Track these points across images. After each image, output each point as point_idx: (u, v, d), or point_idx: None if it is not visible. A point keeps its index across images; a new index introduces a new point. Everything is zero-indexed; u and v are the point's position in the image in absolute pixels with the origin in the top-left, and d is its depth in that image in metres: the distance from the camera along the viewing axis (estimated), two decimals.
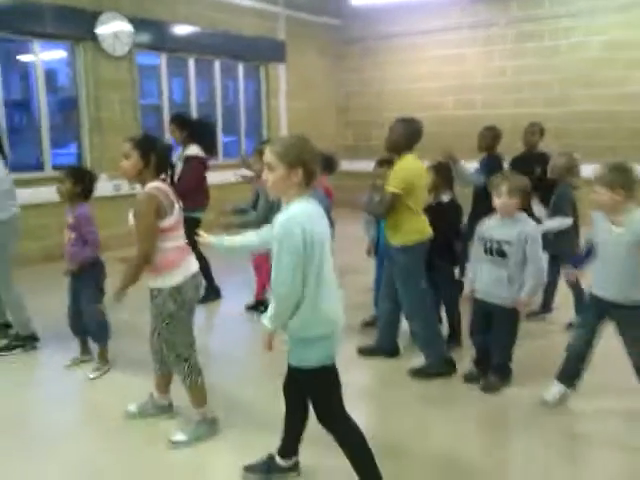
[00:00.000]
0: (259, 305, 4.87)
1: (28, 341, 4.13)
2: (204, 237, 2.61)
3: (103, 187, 6.86)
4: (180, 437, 2.90)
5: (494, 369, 3.45)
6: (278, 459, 2.56)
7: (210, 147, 5.20)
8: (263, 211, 4.29)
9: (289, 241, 2.09)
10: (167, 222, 2.76)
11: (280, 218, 2.16)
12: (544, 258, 3.37)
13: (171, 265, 2.78)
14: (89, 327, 3.75)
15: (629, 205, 2.91)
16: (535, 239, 3.25)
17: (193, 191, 4.81)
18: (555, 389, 3.24)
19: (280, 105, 9.73)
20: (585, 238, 3.34)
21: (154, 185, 2.80)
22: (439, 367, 3.59)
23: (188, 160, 4.96)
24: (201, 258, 5.15)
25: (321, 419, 2.33)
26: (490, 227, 3.36)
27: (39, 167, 6.88)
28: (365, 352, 3.95)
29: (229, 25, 8.55)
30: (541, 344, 4.07)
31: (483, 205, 3.90)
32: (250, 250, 3.25)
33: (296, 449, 2.57)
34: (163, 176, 2.92)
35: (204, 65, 8.70)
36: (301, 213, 2.14)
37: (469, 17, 9.07)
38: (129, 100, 7.45)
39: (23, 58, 6.88)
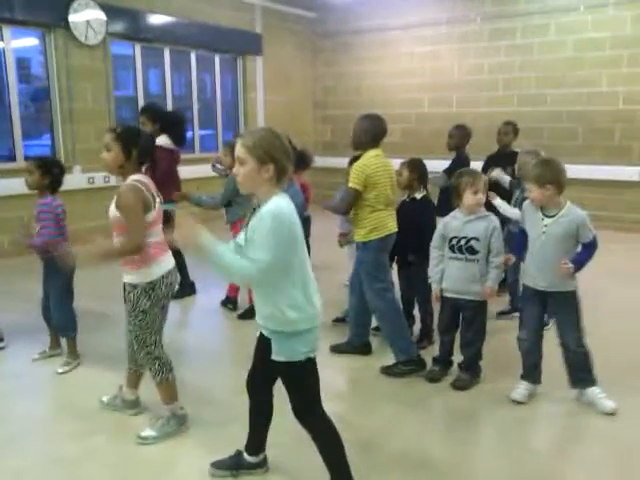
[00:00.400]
0: (229, 302, 4.89)
1: None
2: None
3: (76, 179, 6.81)
4: (149, 433, 2.89)
5: (465, 366, 3.49)
6: (246, 455, 2.57)
7: (180, 138, 5.11)
8: (227, 195, 4.42)
9: (280, 234, 2.06)
10: (149, 217, 2.75)
11: (268, 210, 2.08)
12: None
13: (149, 260, 2.76)
14: (54, 319, 3.72)
15: (558, 199, 3.06)
16: (499, 232, 3.34)
17: (163, 183, 4.77)
18: (522, 387, 3.30)
19: (257, 98, 9.68)
20: (519, 228, 3.41)
21: (136, 178, 2.77)
22: (408, 365, 3.61)
23: (160, 151, 4.89)
24: (177, 253, 5.14)
25: (301, 413, 2.30)
26: (455, 225, 3.38)
27: (11, 158, 6.75)
28: (337, 350, 3.96)
29: (206, 16, 8.46)
30: (508, 341, 4.13)
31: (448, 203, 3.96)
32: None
33: (263, 445, 2.57)
34: (144, 167, 2.89)
35: (180, 56, 8.61)
36: (287, 207, 2.12)
37: (446, 12, 9.10)
38: (102, 90, 7.34)
39: None
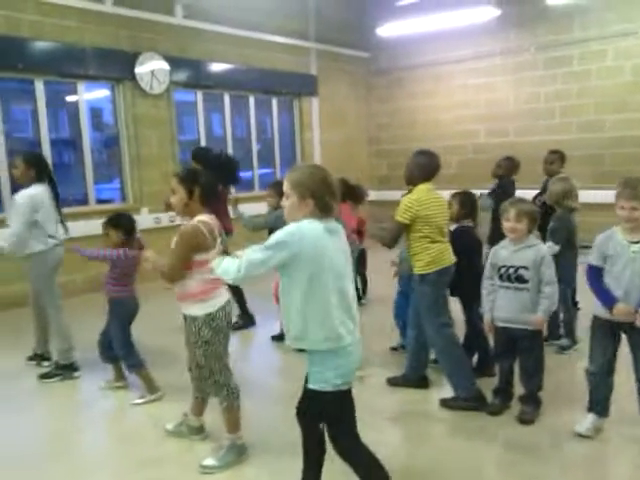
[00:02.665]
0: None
1: (66, 370, 4.28)
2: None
3: (144, 220, 7.16)
4: (211, 462, 2.96)
5: (526, 399, 3.40)
6: None
7: (228, 178, 5.33)
8: (273, 219, 4.56)
9: (283, 238, 2.18)
10: (204, 256, 2.85)
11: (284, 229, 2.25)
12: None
13: (207, 294, 2.92)
14: (119, 355, 3.91)
15: None
16: (549, 261, 3.28)
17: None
18: (588, 420, 3.17)
19: (313, 137, 9.94)
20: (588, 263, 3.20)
21: (201, 219, 2.92)
22: (468, 401, 3.54)
23: None
24: (236, 287, 5.31)
25: (336, 447, 2.33)
26: (504, 254, 3.35)
27: (84, 201, 7.19)
28: (393, 383, 3.94)
29: (262, 61, 8.84)
30: (566, 371, 4.01)
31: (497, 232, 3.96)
32: None
33: None
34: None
35: (239, 100, 8.99)
36: (308, 225, 2.21)
37: (499, 44, 9.13)
38: (167, 136, 7.75)
39: (70, 98, 7.26)
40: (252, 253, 2.23)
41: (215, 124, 9.12)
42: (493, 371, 3.89)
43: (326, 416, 2.33)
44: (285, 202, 2.29)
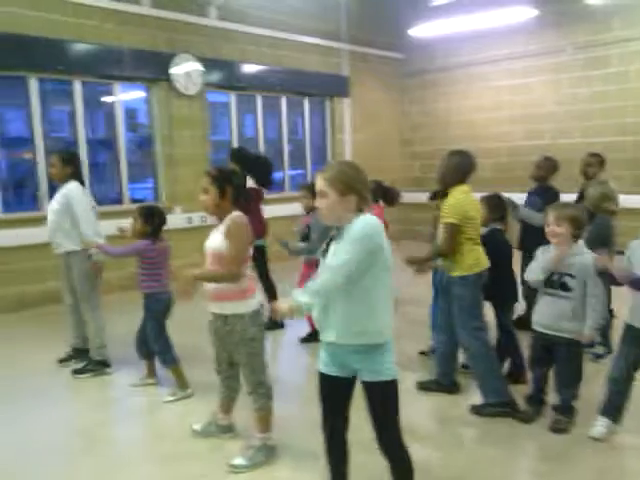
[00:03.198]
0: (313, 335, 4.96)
1: (99, 366, 4.36)
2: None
3: (176, 219, 7.25)
4: (240, 461, 2.97)
5: (561, 408, 3.32)
6: None
7: (263, 179, 5.43)
8: (318, 240, 4.44)
9: (367, 241, 2.13)
10: (250, 251, 2.95)
11: (358, 224, 2.17)
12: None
13: (251, 291, 2.96)
14: (154, 350, 3.95)
15: None
16: (593, 275, 3.14)
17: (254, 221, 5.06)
18: (600, 424, 3.14)
19: (345, 138, 9.92)
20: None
21: (240, 214, 2.95)
22: (499, 406, 3.47)
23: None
24: (271, 286, 5.30)
25: (388, 439, 2.28)
26: (547, 258, 3.22)
27: (119, 201, 7.32)
28: (424, 387, 3.90)
29: (294, 62, 8.86)
30: (598, 380, 3.89)
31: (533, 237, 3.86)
32: None
33: None
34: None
35: (271, 101, 9.03)
36: (373, 219, 2.19)
37: (535, 45, 8.97)
38: (200, 136, 7.83)
39: (107, 99, 7.40)
40: (336, 258, 2.17)
41: (247, 125, 9.18)
42: (526, 378, 3.82)
43: (393, 406, 2.28)
44: (321, 202, 2.23)
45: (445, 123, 10.21)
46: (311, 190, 4.81)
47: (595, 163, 5.14)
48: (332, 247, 2.26)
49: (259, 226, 5.18)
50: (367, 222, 2.17)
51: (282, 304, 2.27)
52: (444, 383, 3.84)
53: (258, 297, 3.02)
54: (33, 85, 6.45)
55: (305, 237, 4.72)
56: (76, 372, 4.34)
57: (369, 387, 2.25)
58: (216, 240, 2.92)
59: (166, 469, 3.02)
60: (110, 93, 7.24)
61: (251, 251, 3.00)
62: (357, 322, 2.19)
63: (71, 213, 4.21)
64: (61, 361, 4.56)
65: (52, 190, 6.52)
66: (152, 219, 3.86)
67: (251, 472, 2.92)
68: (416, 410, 3.60)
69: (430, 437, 3.35)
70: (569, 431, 3.25)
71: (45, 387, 4.17)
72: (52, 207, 4.33)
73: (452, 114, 10.12)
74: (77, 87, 6.80)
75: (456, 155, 3.57)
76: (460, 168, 3.52)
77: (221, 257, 2.88)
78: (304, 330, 5.09)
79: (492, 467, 2.96)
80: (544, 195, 4.85)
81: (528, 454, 3.12)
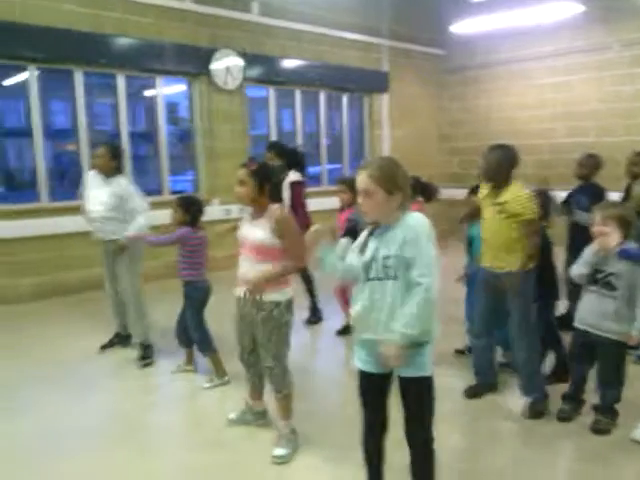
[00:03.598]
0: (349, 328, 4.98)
1: (151, 350, 4.44)
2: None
3: (214, 211, 7.34)
4: (282, 451, 2.98)
5: (601, 409, 3.25)
6: None
7: (303, 172, 5.44)
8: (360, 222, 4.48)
9: (431, 237, 2.14)
10: None
11: (415, 222, 2.15)
12: None
13: (288, 280, 3.03)
14: (193, 338, 4.02)
15: None
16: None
17: (296, 212, 5.09)
18: None
19: (383, 134, 9.88)
20: None
21: (280, 206, 3.01)
22: (539, 404, 3.41)
23: (294, 185, 5.24)
24: (309, 278, 5.31)
25: (418, 434, 2.27)
26: (601, 257, 3.15)
27: (159, 192, 7.45)
28: (472, 394, 3.71)
29: (334, 57, 8.86)
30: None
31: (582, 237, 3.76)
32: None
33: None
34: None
35: (310, 96, 9.06)
36: (425, 218, 2.19)
37: (581, 41, 8.77)
38: (239, 130, 7.91)
39: (148, 93, 7.54)
40: (425, 256, 2.10)
41: (285, 119, 9.23)
42: (569, 377, 3.74)
43: (428, 402, 2.27)
44: (366, 201, 2.18)
45: (486, 120, 10.07)
46: (350, 185, 4.82)
47: None
48: (372, 243, 2.22)
49: (303, 220, 5.15)
50: (422, 218, 2.17)
51: (389, 350, 2.12)
52: (487, 382, 3.75)
53: (292, 287, 3.07)
54: (78, 78, 6.61)
55: (350, 233, 4.68)
56: (140, 359, 4.35)
57: (406, 382, 2.24)
58: (259, 233, 2.95)
59: (201, 456, 3.07)
60: (152, 87, 7.38)
61: None
62: (424, 322, 2.14)
63: (127, 207, 4.31)
64: (103, 347, 4.67)
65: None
66: (191, 208, 3.94)
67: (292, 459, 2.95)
68: (450, 408, 3.57)
69: (465, 436, 3.32)
70: (610, 432, 3.18)
71: (87, 373, 4.29)
72: (102, 199, 4.34)
73: (493, 111, 9.98)
74: (120, 81, 6.95)
75: (499, 149, 3.48)
76: (506, 162, 3.41)
77: (268, 249, 2.92)
78: (339, 322, 5.11)
79: (529, 466, 2.92)
80: (589, 193, 4.74)
81: (565, 454, 3.06)
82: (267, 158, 5.25)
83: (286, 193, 5.22)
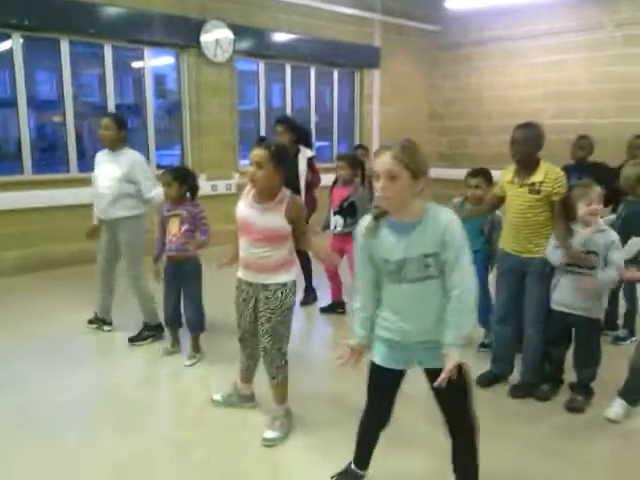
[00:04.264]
0: (337, 306, 5.02)
1: (158, 330, 4.33)
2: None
3: (201, 187, 7.27)
4: (273, 434, 2.95)
5: (578, 388, 3.32)
6: (353, 467, 2.51)
7: (310, 149, 5.25)
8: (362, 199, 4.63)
9: (464, 237, 2.06)
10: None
11: (448, 219, 2.05)
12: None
13: (293, 262, 3.03)
14: (191, 317, 3.96)
15: None
16: (618, 246, 3.14)
17: (312, 190, 5.13)
18: (617, 406, 3.16)
19: (373, 110, 9.81)
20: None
21: (293, 195, 2.95)
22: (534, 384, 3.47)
23: (311, 161, 5.10)
24: (308, 262, 5.21)
25: (465, 418, 2.22)
26: (578, 238, 3.18)
27: None
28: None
29: (326, 32, 8.73)
30: (617, 363, 3.85)
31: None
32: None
33: (369, 461, 2.49)
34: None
35: (300, 71, 8.95)
36: (454, 213, 2.09)
37: (576, 21, 8.69)
38: (228, 104, 7.81)
39: (136, 64, 7.41)
40: (467, 264, 2.05)
41: (275, 94, 9.12)
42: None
43: (460, 389, 2.19)
44: (388, 185, 2.01)
45: (477, 98, 10.01)
46: (349, 161, 4.79)
47: None
48: (399, 240, 2.07)
49: (311, 201, 5.10)
50: (453, 214, 2.08)
51: (451, 361, 2.03)
52: (504, 371, 3.64)
53: (295, 269, 3.06)
54: (64, 47, 6.48)
55: (347, 211, 4.69)
56: (132, 340, 4.26)
57: (434, 374, 2.10)
58: (273, 220, 2.86)
59: (186, 434, 3.09)
60: (140, 58, 7.25)
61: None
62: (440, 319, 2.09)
63: (137, 178, 4.14)
64: (90, 322, 4.59)
65: (80, 153, 6.65)
66: (187, 180, 3.84)
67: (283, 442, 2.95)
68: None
69: None
70: (584, 411, 3.25)
71: (74, 348, 4.27)
72: (113, 175, 4.15)
73: (485, 89, 9.92)
74: (107, 51, 6.82)
75: (528, 128, 3.33)
76: (541, 140, 3.32)
77: (280, 236, 2.88)
78: (325, 301, 5.13)
79: (504, 443, 2.97)
80: (594, 170, 4.63)
81: (542, 432, 3.11)
82: (278, 132, 4.98)
83: (302, 168, 5.02)
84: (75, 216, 5.99)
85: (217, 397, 3.34)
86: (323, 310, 5.07)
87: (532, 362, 3.45)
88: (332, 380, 3.71)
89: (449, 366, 2.02)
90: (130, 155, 4.21)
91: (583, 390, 3.31)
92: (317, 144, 9.28)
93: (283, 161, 2.85)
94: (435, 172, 9.51)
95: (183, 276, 3.91)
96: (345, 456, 2.54)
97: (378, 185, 2.03)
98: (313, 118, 9.20)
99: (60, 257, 6.48)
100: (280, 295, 2.91)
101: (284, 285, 2.93)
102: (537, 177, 3.26)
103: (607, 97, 8.53)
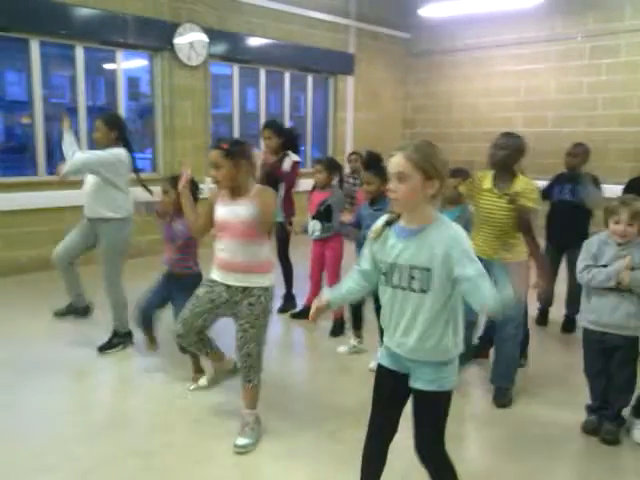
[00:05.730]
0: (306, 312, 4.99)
1: (127, 338, 4.26)
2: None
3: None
4: (244, 441, 2.91)
5: (614, 417, 3.07)
6: None
7: (297, 154, 5.22)
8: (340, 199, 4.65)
9: (472, 254, 1.94)
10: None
11: (454, 232, 1.95)
12: None
13: (269, 266, 2.99)
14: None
15: None
16: None
17: (290, 195, 5.08)
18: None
19: (347, 117, 9.85)
20: None
21: (267, 187, 2.94)
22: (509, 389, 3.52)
23: (296, 166, 5.06)
24: (288, 266, 5.22)
25: (430, 445, 2.09)
26: (609, 253, 2.96)
27: None
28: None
29: (300, 37, 8.75)
30: None
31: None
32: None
33: None
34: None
35: (275, 76, 8.94)
36: (461, 229, 2.00)
37: (545, 31, 8.87)
38: (201, 108, 7.76)
39: (108, 67, 7.32)
40: (477, 271, 1.91)
41: (249, 99, 9.11)
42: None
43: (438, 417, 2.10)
44: (398, 186, 1.94)
45: (448, 106, 10.13)
46: (326, 165, 4.80)
47: None
48: (397, 243, 2.00)
49: (289, 204, 5.07)
50: (460, 229, 1.98)
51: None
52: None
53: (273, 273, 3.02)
54: (35, 48, 6.36)
55: (324, 215, 4.67)
56: (103, 348, 4.16)
57: (419, 395, 2.06)
58: (243, 211, 2.83)
59: (156, 440, 3.06)
60: (112, 60, 7.15)
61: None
62: (436, 338, 1.99)
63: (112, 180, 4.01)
64: (56, 314, 4.43)
65: (48, 156, 6.52)
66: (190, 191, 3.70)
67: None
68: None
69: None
70: (620, 441, 3.05)
71: (37, 351, 4.19)
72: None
73: (455, 97, 10.04)
74: (79, 53, 6.71)
75: (516, 137, 3.38)
76: (523, 151, 3.37)
77: (252, 229, 2.84)
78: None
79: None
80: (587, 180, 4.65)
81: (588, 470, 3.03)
82: (265, 137, 5.00)
83: (286, 171, 4.99)
84: (40, 220, 5.87)
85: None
86: (294, 316, 5.04)
87: (506, 368, 3.49)
88: (305, 386, 3.71)
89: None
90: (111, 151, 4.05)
91: (617, 418, 3.10)
92: None
93: (241, 155, 2.83)
94: None
95: (175, 288, 3.66)
96: (314, 463, 2.54)
97: (389, 187, 1.98)
98: (287, 124, 9.20)
99: (22, 262, 6.29)
100: (263, 300, 2.90)
101: (266, 290, 2.92)
102: (516, 187, 3.31)
103: (576, 107, 8.70)
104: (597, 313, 3.01)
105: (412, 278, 1.97)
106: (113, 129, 4.09)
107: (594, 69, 8.54)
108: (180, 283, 3.65)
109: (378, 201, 3.74)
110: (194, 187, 3.61)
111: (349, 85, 9.76)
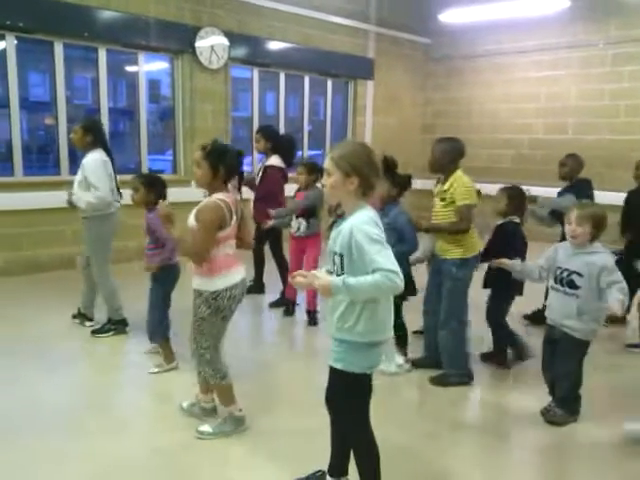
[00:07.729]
0: (286, 303, 5.22)
1: (119, 325, 4.52)
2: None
3: (192, 193, 7.26)
4: (205, 428, 3.02)
5: (559, 402, 3.29)
6: (328, 478, 2.49)
7: (289, 159, 5.44)
8: (313, 199, 4.73)
9: (370, 237, 2.06)
10: (223, 233, 2.86)
11: (352, 225, 2.11)
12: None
13: (215, 272, 2.86)
14: (148, 325, 3.84)
15: None
16: (611, 270, 3.04)
17: (270, 199, 5.08)
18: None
19: (366, 121, 9.86)
20: None
21: (220, 197, 2.85)
22: (459, 377, 3.74)
23: (268, 169, 5.31)
24: (262, 261, 5.62)
25: (351, 427, 2.33)
26: (562, 256, 3.22)
27: (137, 170, 7.32)
28: (419, 364, 3.99)
29: (320, 42, 8.78)
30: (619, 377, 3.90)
31: None
32: None
33: (346, 468, 2.46)
34: (233, 182, 3.03)
35: (295, 80, 8.98)
36: (367, 215, 2.14)
37: (567, 37, 8.81)
38: (221, 111, 7.82)
39: (130, 69, 7.41)
40: (383, 257, 2.03)
41: (269, 102, 9.15)
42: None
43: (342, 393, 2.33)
44: (326, 180, 2.20)
45: (467, 112, 10.09)
46: (307, 167, 4.87)
47: None
48: (332, 235, 2.24)
49: (274, 204, 5.15)
50: (364, 217, 2.13)
51: (323, 279, 2.14)
52: (435, 358, 3.91)
53: (225, 279, 2.88)
54: (59, 50, 6.47)
55: (308, 214, 4.83)
56: (95, 332, 4.49)
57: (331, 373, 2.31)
58: (192, 219, 2.87)
59: (170, 437, 3.08)
60: (134, 63, 7.25)
61: (233, 231, 2.93)
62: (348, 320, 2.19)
63: (89, 181, 4.28)
64: (74, 317, 4.75)
65: (72, 155, 6.62)
66: (155, 188, 3.74)
67: (217, 439, 2.98)
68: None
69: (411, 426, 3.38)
70: (563, 425, 3.25)
71: (56, 350, 4.24)
72: (77, 176, 4.43)
73: (475, 103, 10.00)
74: (102, 55, 6.81)
75: (445, 141, 3.70)
76: (450, 152, 3.62)
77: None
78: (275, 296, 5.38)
79: (486, 457, 2.98)
80: (575, 190, 4.74)
81: (523, 447, 3.13)
82: (255, 140, 5.43)
83: (259, 176, 5.38)
84: (63, 219, 5.96)
85: (184, 404, 3.30)
86: (272, 305, 5.33)
87: (449, 356, 3.75)
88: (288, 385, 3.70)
89: (319, 281, 2.14)
90: (89, 157, 4.34)
91: (564, 404, 3.28)
92: (309, 153, 9.32)
93: (219, 159, 2.87)
94: (424, 184, 9.59)
95: (151, 280, 3.82)
96: (297, 464, 2.55)
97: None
98: (306, 127, 9.24)
99: (46, 260, 6.40)
100: (197, 303, 2.91)
101: (200, 294, 2.89)
102: (446, 186, 3.60)
103: (597, 114, 8.62)
104: (549, 308, 3.32)
105: (334, 263, 2.20)
106: (88, 133, 4.35)
107: (616, 76, 8.46)
108: (152, 280, 3.82)
109: (386, 205, 3.74)
110: (162, 186, 3.79)
111: (369, 90, 9.77)
